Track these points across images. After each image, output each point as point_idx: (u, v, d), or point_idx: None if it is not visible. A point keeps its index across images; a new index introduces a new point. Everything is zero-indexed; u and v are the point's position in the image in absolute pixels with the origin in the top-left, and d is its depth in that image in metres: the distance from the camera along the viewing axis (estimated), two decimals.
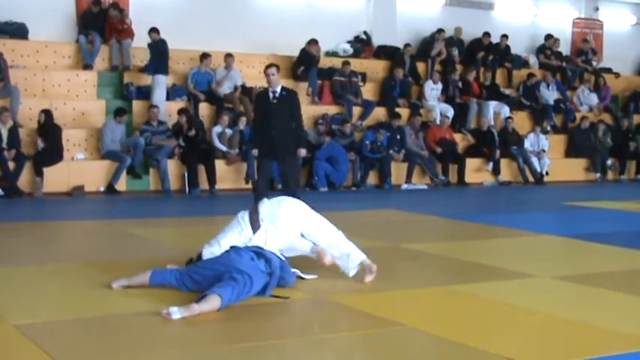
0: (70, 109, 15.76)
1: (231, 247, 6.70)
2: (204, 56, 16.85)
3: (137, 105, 16.16)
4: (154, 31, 16.25)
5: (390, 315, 6.01)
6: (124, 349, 5.15)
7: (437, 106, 19.10)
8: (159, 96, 15.95)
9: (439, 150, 17.95)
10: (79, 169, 14.93)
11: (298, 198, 9.61)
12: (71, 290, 6.80)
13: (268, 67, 10.80)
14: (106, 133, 15.08)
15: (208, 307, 5.86)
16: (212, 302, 5.89)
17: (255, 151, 11.55)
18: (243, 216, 7.20)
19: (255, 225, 7.08)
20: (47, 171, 14.26)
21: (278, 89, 10.73)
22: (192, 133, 15.34)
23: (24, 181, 14.16)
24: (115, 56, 16.67)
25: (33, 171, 14.18)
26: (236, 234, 7.04)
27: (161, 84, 15.98)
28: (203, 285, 6.26)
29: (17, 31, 16.29)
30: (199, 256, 7.02)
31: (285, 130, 10.75)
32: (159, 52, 16.14)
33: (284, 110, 10.74)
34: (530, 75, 21.04)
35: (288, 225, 7.11)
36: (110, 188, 14.72)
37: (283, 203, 7.33)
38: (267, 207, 7.24)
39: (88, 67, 16.46)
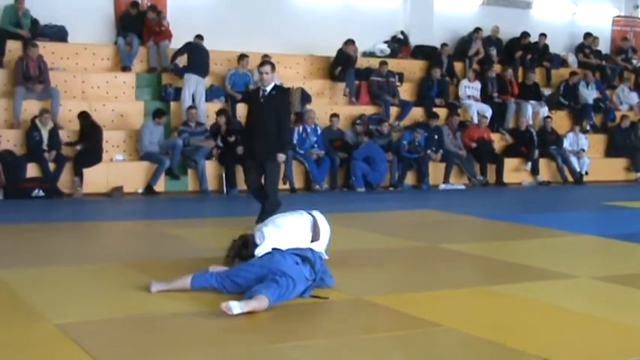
0: (108, 110, 15.88)
1: (274, 249, 6.68)
2: (242, 57, 16.91)
3: (175, 106, 16.25)
4: (196, 37, 16.40)
5: (428, 316, 6.00)
6: (163, 349, 5.18)
7: (473, 105, 19.02)
8: (184, 95, 16.01)
9: (474, 145, 17.87)
10: (118, 170, 15.03)
11: (275, 206, 10.01)
12: (111, 290, 6.86)
13: (262, 64, 10.29)
14: (145, 135, 15.17)
15: (259, 306, 5.92)
16: (262, 302, 5.93)
17: (239, 150, 10.95)
18: (304, 221, 7.21)
19: (315, 237, 7.12)
20: (86, 172, 14.37)
21: (269, 88, 10.14)
22: (232, 139, 15.36)
23: (64, 182, 14.29)
24: (153, 58, 16.78)
25: (73, 172, 14.31)
26: (295, 237, 7.01)
27: (187, 83, 16.02)
28: (244, 287, 6.29)
29: (57, 34, 16.46)
30: (245, 243, 7.05)
31: (268, 132, 10.10)
32: (188, 53, 16.29)
33: (270, 111, 10.10)
34: (573, 73, 20.83)
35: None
36: (149, 190, 14.81)
37: (327, 224, 7.50)
38: (322, 222, 7.35)
39: (126, 68, 16.59)
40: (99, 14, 17.19)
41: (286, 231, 7.03)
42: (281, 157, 10.14)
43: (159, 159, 14.94)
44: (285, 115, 10.48)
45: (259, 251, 6.80)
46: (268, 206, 10.10)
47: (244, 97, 10.69)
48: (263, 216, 9.70)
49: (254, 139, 10.17)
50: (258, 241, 6.89)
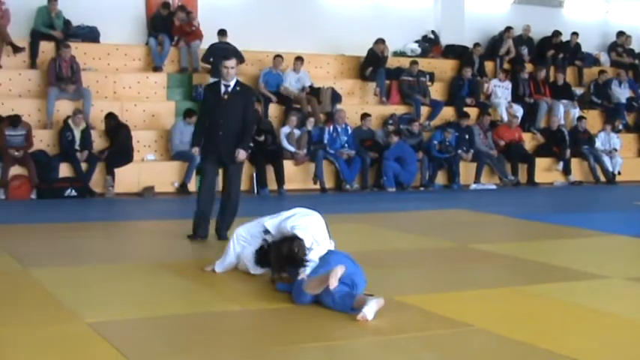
0: (140, 110, 15.98)
1: (332, 256, 6.51)
2: (277, 57, 16.96)
3: None
4: (219, 33, 16.47)
5: (459, 316, 5.98)
6: (196, 348, 5.20)
7: (502, 104, 18.94)
8: None
9: (502, 143, 17.79)
10: (150, 170, 15.11)
11: (236, 210, 9.49)
12: (143, 289, 6.90)
13: (228, 57, 9.27)
14: (175, 135, 15.24)
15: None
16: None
17: (194, 151, 9.67)
18: (322, 220, 7.10)
19: (330, 234, 7.02)
20: (118, 172, 14.47)
21: (232, 83, 9.17)
22: (262, 138, 15.40)
23: (96, 181, 14.39)
24: (184, 58, 16.85)
25: (104, 171, 14.41)
26: (327, 238, 6.92)
27: None
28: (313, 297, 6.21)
29: (89, 35, 16.59)
30: (293, 246, 6.47)
31: (234, 132, 9.17)
32: (212, 56, 16.36)
33: (235, 109, 9.15)
34: (601, 72, 20.71)
35: None
36: (183, 187, 14.87)
37: None
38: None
39: (157, 69, 16.68)
40: (130, 15, 17.30)
41: (325, 231, 6.96)
42: (242, 154, 9.21)
43: (189, 156, 14.92)
44: (252, 113, 9.69)
45: (316, 255, 6.50)
46: (232, 210, 9.56)
47: (204, 94, 9.78)
48: (225, 223, 9.52)
49: (219, 140, 9.20)
50: (310, 245, 6.52)
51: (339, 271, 5.85)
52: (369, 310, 5.75)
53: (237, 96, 9.17)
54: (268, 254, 6.81)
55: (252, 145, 15.41)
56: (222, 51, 16.32)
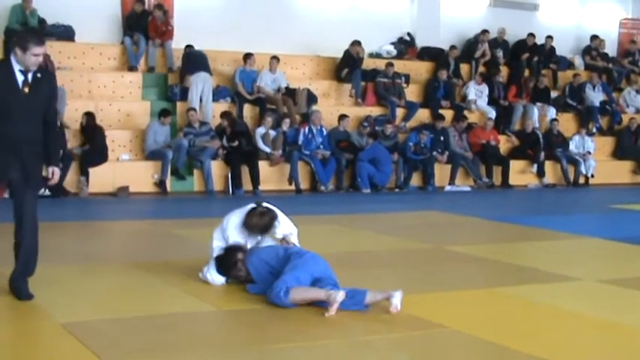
0: (115, 110, 15.91)
1: (311, 255, 6.63)
2: (247, 56, 16.92)
3: (181, 106, 16.26)
4: (187, 47, 16.58)
5: (432, 317, 6.00)
6: (166, 348, 5.19)
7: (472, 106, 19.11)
8: (191, 95, 16.05)
9: (482, 141, 17.85)
10: (124, 169, 15.05)
11: (35, 254, 6.53)
12: (116, 289, 6.89)
13: (39, 44, 6.25)
14: (149, 135, 15.20)
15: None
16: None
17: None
18: None
19: None
20: (92, 171, 14.40)
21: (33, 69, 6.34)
22: (235, 144, 15.37)
23: (70, 181, 14.32)
24: (153, 57, 16.74)
25: (79, 171, 14.34)
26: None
27: (195, 83, 16.06)
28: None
29: (64, 34, 16.49)
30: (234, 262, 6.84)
31: (38, 139, 6.41)
32: (189, 59, 16.44)
33: (38, 104, 6.40)
34: (576, 75, 20.85)
35: None
36: (161, 184, 14.93)
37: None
38: None
39: (133, 68, 16.61)
40: (106, 14, 17.21)
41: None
42: (57, 173, 6.64)
43: (162, 154, 14.96)
44: (55, 107, 7.07)
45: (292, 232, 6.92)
46: (30, 256, 6.48)
47: None
48: (21, 274, 6.43)
49: (18, 151, 6.31)
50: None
51: (340, 297, 5.94)
52: (397, 300, 6.01)
53: (40, 86, 6.43)
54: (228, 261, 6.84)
55: (226, 146, 15.42)
56: (197, 57, 16.33)
